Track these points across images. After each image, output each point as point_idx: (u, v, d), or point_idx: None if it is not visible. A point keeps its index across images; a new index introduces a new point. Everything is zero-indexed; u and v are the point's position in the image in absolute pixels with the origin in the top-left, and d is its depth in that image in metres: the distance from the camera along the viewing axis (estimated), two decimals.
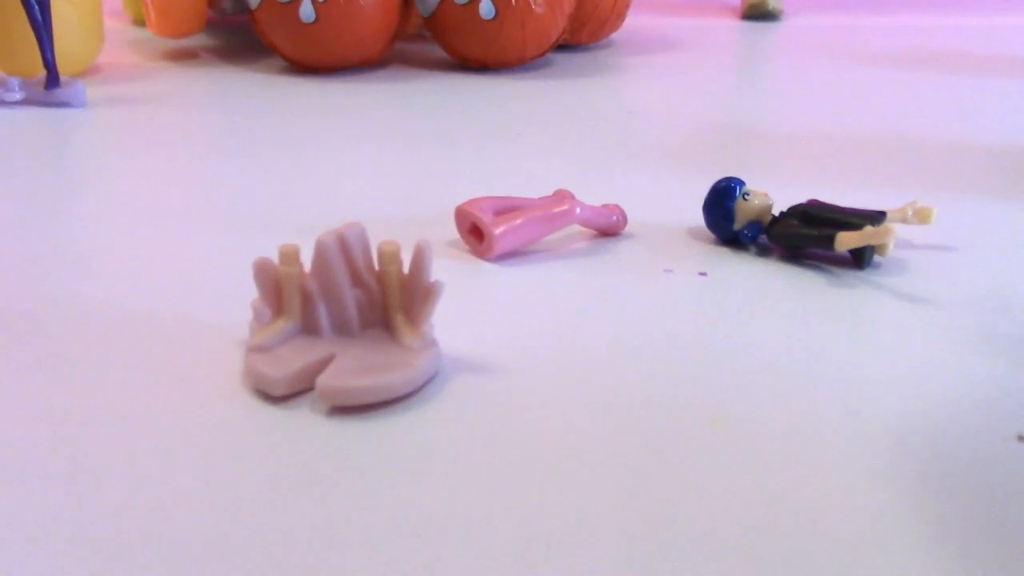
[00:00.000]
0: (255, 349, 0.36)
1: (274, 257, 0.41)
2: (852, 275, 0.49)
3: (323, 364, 0.36)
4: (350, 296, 0.37)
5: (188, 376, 0.38)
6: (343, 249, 0.37)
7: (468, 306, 0.44)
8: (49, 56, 0.79)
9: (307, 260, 0.40)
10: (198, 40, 1.07)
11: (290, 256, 0.37)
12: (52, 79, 0.79)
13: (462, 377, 0.38)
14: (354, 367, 0.36)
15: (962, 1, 1.49)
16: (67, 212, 0.56)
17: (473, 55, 0.95)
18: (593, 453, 0.34)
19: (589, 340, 0.42)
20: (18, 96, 0.79)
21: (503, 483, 0.32)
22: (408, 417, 0.35)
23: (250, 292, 0.44)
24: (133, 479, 0.31)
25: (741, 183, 0.52)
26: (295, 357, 0.36)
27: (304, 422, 0.35)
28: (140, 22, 1.16)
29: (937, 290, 0.48)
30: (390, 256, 0.37)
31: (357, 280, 0.37)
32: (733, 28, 1.27)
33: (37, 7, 0.78)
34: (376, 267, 0.38)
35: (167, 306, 0.44)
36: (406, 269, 0.38)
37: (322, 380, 0.35)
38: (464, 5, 0.92)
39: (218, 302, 0.44)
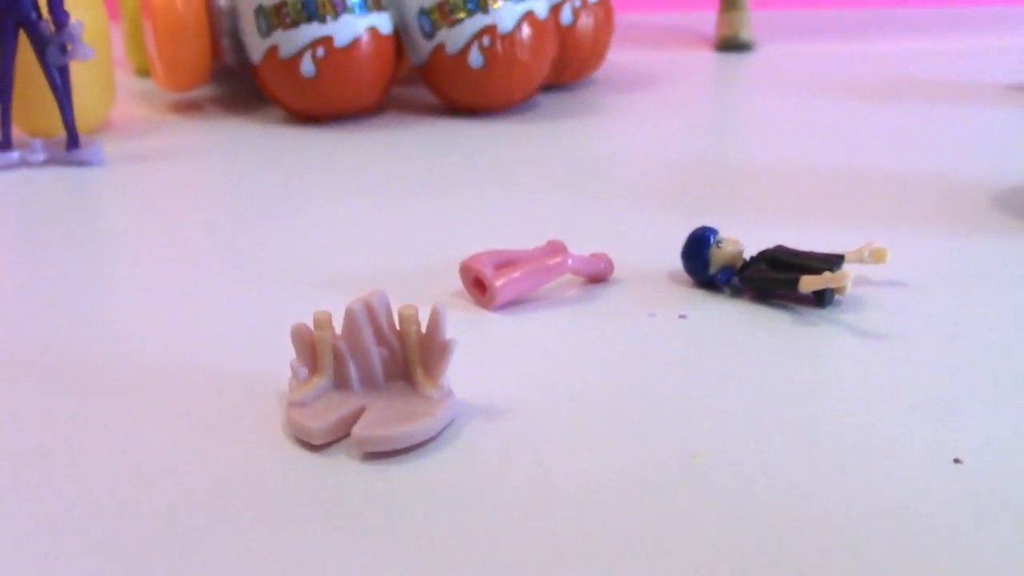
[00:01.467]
0: (295, 404, 0.42)
1: (306, 319, 0.47)
2: (815, 313, 0.55)
3: (355, 415, 0.42)
4: (376, 354, 0.43)
5: (233, 428, 0.43)
6: (369, 314, 0.43)
7: (475, 354, 0.50)
8: (69, 118, 0.84)
9: (336, 322, 0.45)
10: (201, 90, 1.13)
11: (323, 322, 0.43)
12: (72, 140, 0.85)
13: (475, 421, 0.44)
14: (383, 417, 0.41)
15: (937, 25, 1.56)
16: (96, 269, 0.62)
17: (463, 101, 1.01)
18: (592, 488, 0.39)
19: (584, 382, 0.48)
20: (41, 157, 0.84)
21: (514, 515, 0.37)
22: (432, 459, 0.41)
23: (274, 343, 0.49)
24: (187, 522, 0.37)
25: (715, 232, 0.58)
26: (331, 410, 0.42)
27: (341, 467, 0.40)
28: (144, 72, 1.21)
29: (890, 324, 0.54)
30: (409, 319, 0.43)
31: (381, 340, 0.43)
32: (709, 60, 1.33)
33: (57, 71, 0.83)
34: (397, 327, 0.44)
35: (201, 360, 0.49)
36: (424, 329, 0.44)
37: (357, 430, 0.41)
38: (454, 55, 0.98)
39: (247, 355, 0.50)
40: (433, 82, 1.01)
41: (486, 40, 0.98)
